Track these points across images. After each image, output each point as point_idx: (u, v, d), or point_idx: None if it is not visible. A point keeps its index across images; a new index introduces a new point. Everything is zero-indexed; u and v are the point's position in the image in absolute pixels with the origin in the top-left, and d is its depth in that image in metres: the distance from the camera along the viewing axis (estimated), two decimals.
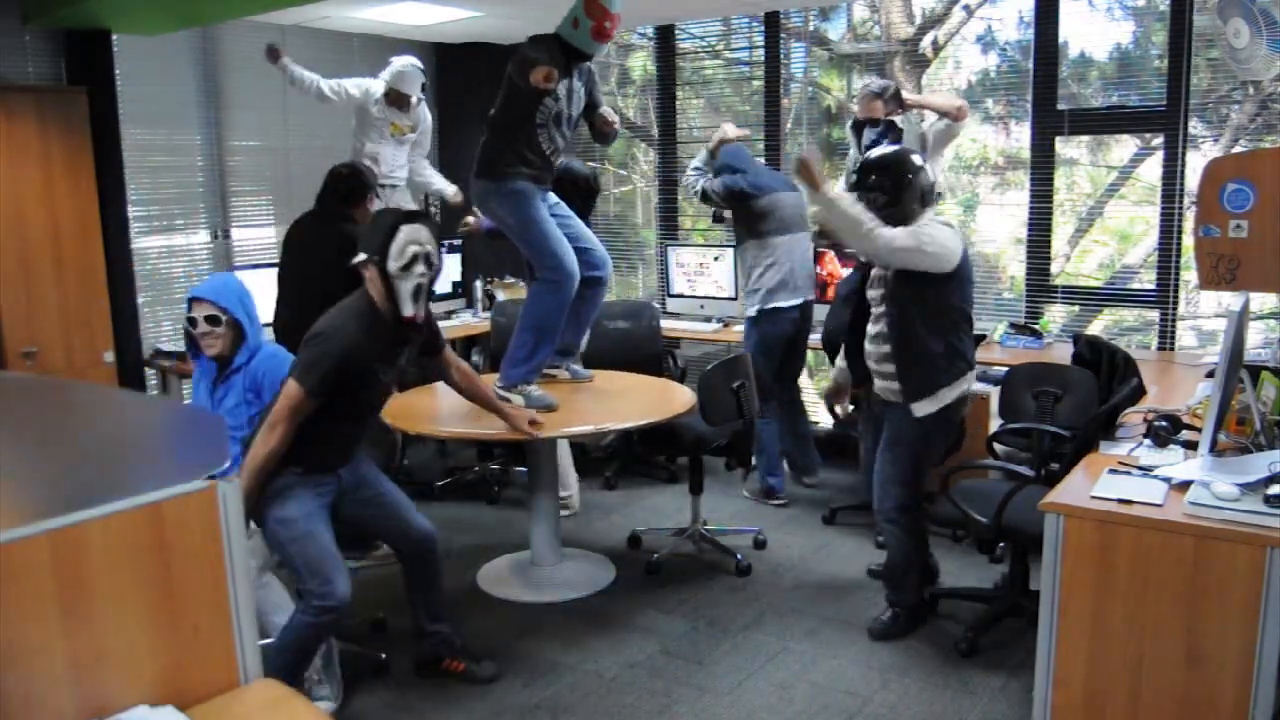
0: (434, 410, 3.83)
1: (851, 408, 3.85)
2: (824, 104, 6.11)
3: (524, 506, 4.46)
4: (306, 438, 2.76)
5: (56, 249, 4.56)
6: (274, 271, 4.26)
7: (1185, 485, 2.37)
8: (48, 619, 1.57)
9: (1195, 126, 4.62)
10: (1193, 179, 4.36)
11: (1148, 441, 2.77)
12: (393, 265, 2.79)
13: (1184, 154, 4.54)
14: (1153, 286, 4.75)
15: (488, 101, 3.62)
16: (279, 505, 2.79)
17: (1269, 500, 2.20)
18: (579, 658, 3.38)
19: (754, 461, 4.62)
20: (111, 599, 1.64)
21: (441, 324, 3.43)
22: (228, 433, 3.02)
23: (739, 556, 4.08)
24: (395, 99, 4.77)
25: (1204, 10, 4.39)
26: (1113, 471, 2.55)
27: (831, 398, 3.76)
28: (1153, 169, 4.89)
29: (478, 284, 6.07)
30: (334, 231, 3.93)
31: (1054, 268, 5.12)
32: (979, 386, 4.45)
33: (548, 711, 3.05)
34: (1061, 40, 4.85)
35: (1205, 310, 4.94)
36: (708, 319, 5.68)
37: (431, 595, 3.17)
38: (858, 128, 4.38)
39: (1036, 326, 4.80)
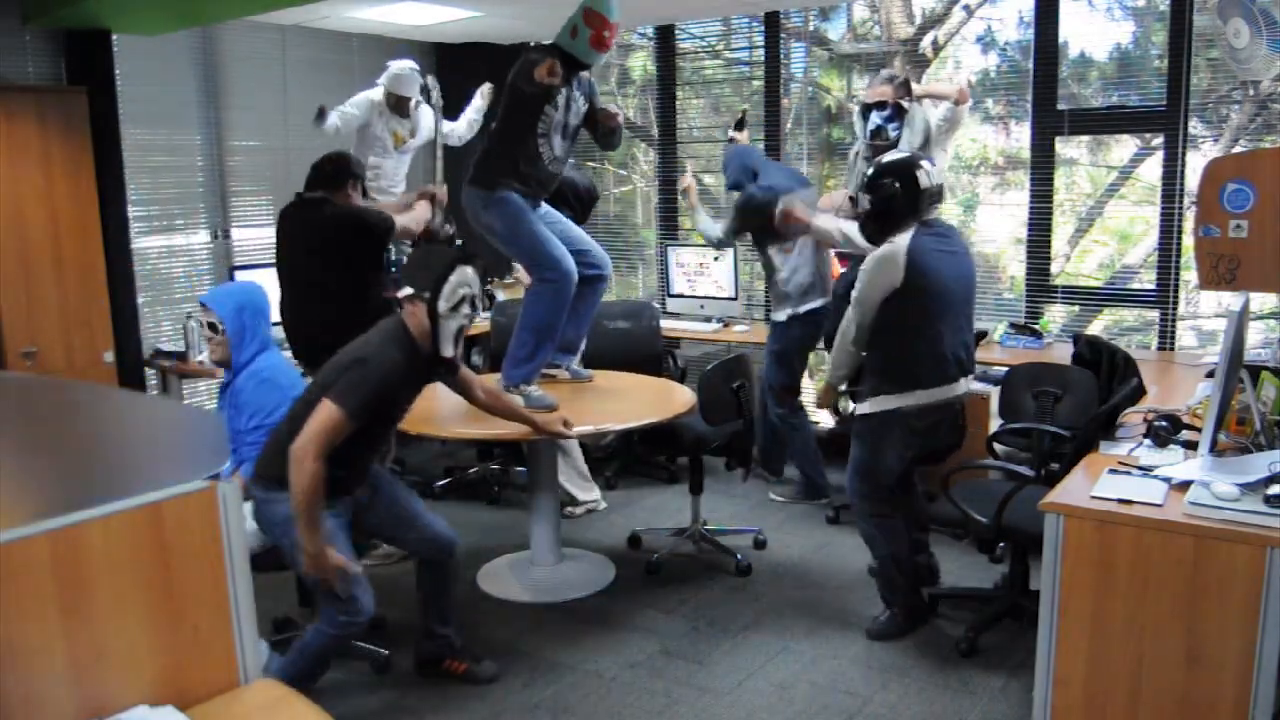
0: (434, 410, 3.83)
1: (851, 406, 3.85)
2: (824, 104, 6.11)
3: (523, 506, 4.45)
4: (326, 463, 2.72)
5: (56, 249, 4.56)
6: (273, 270, 4.25)
7: (1185, 485, 2.37)
8: (48, 619, 1.57)
9: (1195, 126, 4.62)
10: (1193, 179, 4.36)
11: (1148, 441, 2.77)
12: (443, 306, 2.84)
13: (1184, 154, 4.54)
14: (1153, 286, 4.75)
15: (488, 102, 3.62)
16: (295, 530, 2.77)
17: (1269, 500, 2.20)
18: (579, 658, 3.38)
19: (772, 464, 4.60)
20: (111, 599, 1.64)
21: None
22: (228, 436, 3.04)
23: (739, 556, 4.08)
24: (395, 103, 4.76)
25: (1204, 10, 4.39)
26: (1113, 471, 2.55)
27: (823, 398, 3.75)
28: (1153, 169, 4.89)
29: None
30: (316, 216, 3.85)
31: (1054, 268, 5.12)
32: (978, 386, 4.45)
33: (548, 711, 3.05)
34: (1061, 40, 4.85)
35: (1205, 310, 4.94)
36: (708, 319, 5.68)
37: (445, 599, 3.18)
38: (865, 112, 4.38)
39: (1036, 326, 4.80)
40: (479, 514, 4.86)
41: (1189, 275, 4.63)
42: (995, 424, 3.99)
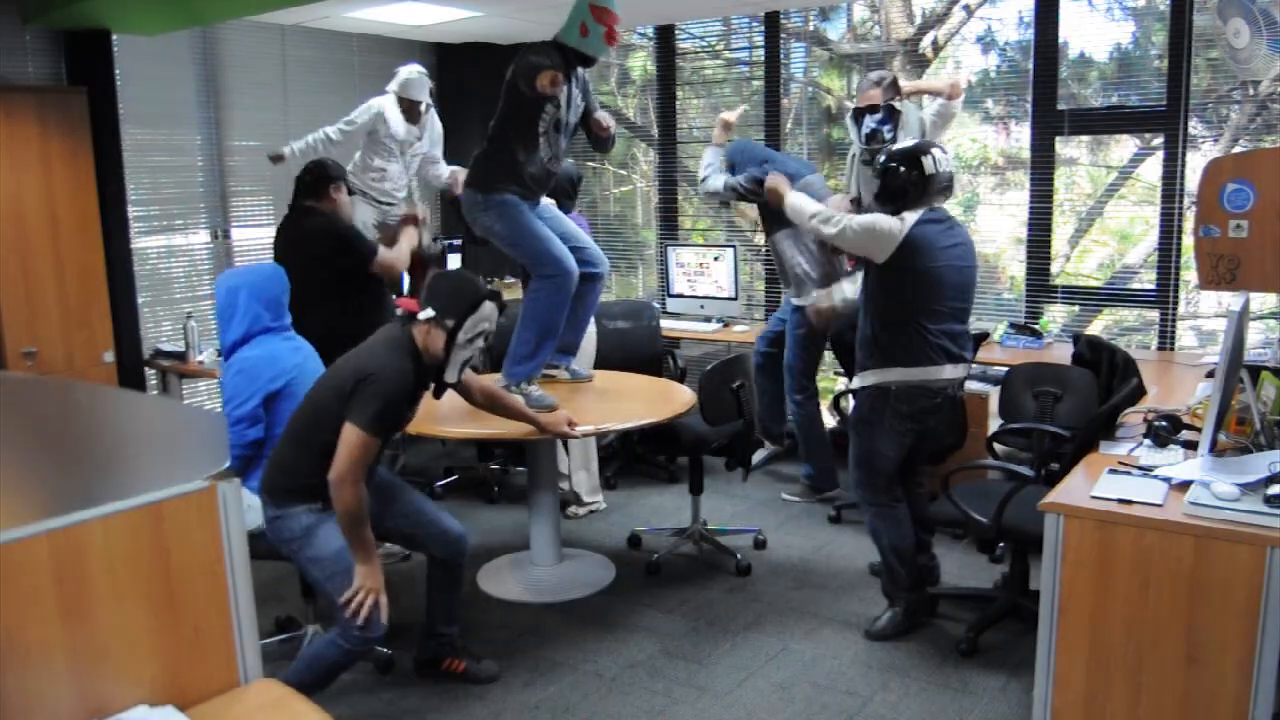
0: (434, 410, 3.82)
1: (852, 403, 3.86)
2: (824, 104, 6.11)
3: (524, 506, 4.45)
4: (325, 474, 2.70)
5: (56, 249, 4.56)
6: None
7: (1185, 485, 2.37)
8: (48, 619, 1.57)
9: (1195, 126, 4.62)
10: (1193, 179, 4.36)
11: (1148, 441, 2.77)
12: (462, 337, 2.87)
13: (1184, 154, 4.54)
14: (1153, 286, 4.75)
15: (488, 101, 3.61)
16: (308, 545, 2.78)
17: (1269, 500, 2.20)
18: (579, 658, 3.38)
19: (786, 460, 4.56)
20: (111, 599, 1.64)
21: None
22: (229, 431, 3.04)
23: (739, 556, 4.08)
24: (406, 108, 4.73)
25: (1204, 10, 4.39)
26: (1113, 471, 2.55)
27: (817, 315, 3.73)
28: (1153, 169, 4.89)
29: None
30: (299, 228, 3.96)
31: (1054, 268, 5.12)
32: (978, 386, 4.46)
33: (548, 711, 3.05)
34: (1061, 40, 4.85)
35: (1205, 310, 4.94)
36: (708, 319, 5.68)
37: (453, 598, 3.18)
38: (858, 116, 4.38)
39: (1036, 326, 4.80)
40: (479, 514, 4.86)
41: (1189, 275, 4.63)
42: (995, 424, 3.99)
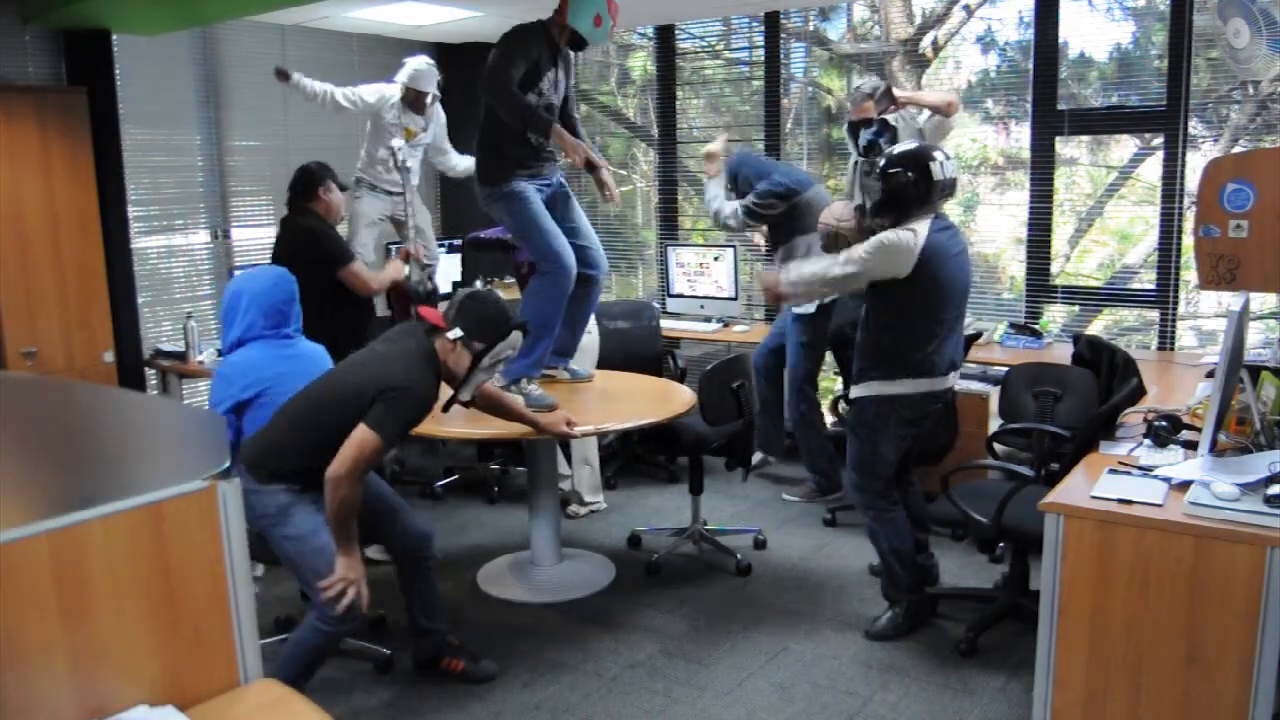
0: (433, 410, 3.82)
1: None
2: (824, 104, 6.11)
3: (524, 506, 4.45)
4: (316, 461, 2.72)
5: (56, 249, 4.56)
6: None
7: (1185, 485, 2.37)
8: (48, 619, 1.57)
9: (1195, 126, 4.62)
10: (1193, 179, 4.36)
11: (1148, 441, 2.77)
12: (487, 361, 2.94)
13: (1184, 154, 4.54)
14: (1153, 286, 4.75)
15: None
16: (283, 524, 2.79)
17: (1269, 500, 2.20)
18: (579, 658, 3.38)
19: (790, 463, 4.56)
20: (111, 599, 1.64)
21: None
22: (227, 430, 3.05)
23: (739, 556, 4.08)
24: (412, 100, 4.72)
25: (1204, 10, 4.39)
26: (1113, 471, 2.55)
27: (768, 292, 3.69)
28: (1153, 169, 4.89)
29: (478, 284, 6.07)
30: (287, 228, 4.06)
31: (1054, 268, 5.12)
32: (978, 386, 4.46)
33: (548, 711, 3.05)
34: (1061, 40, 4.85)
35: (1205, 310, 4.94)
36: (708, 319, 5.68)
37: (428, 593, 3.18)
38: (853, 130, 4.39)
39: (1036, 326, 4.80)
40: (479, 514, 4.86)
41: (1189, 275, 4.63)
42: (995, 424, 3.99)
